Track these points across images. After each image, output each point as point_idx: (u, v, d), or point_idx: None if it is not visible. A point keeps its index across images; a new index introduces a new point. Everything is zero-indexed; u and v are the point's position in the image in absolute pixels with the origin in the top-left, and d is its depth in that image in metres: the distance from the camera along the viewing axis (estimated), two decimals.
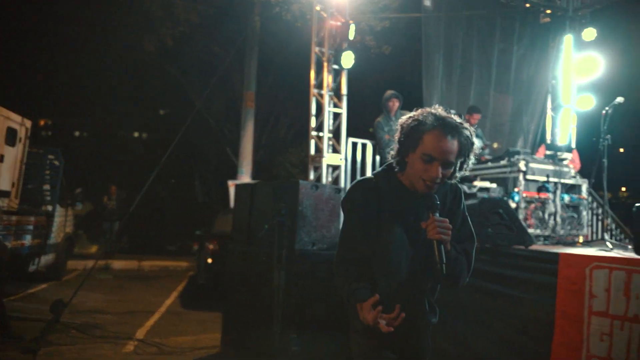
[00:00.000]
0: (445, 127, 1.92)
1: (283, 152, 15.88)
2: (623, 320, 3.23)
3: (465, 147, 1.95)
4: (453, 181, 2.08)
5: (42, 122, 22.59)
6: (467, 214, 2.12)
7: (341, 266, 2.07)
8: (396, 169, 2.04)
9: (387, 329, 1.82)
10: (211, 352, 5.40)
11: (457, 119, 1.98)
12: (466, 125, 1.98)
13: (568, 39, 8.00)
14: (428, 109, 2.02)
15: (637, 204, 3.38)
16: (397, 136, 2.01)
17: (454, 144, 1.91)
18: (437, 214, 1.89)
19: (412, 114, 2.02)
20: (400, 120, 2.03)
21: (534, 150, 7.45)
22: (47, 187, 8.33)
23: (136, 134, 23.69)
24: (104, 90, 15.58)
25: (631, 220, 3.44)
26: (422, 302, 2.09)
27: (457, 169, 1.98)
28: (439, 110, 2.00)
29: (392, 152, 2.03)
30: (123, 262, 11.47)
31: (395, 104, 6.41)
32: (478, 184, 5.84)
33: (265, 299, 4.59)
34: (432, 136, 1.92)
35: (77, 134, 23.68)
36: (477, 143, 2.00)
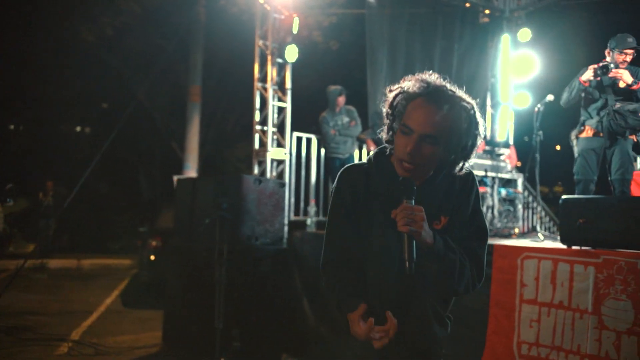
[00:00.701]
0: (431, 94, 1.60)
1: (230, 147, 15.68)
2: (550, 306, 3.39)
3: (460, 124, 1.59)
4: (463, 171, 1.68)
5: None
6: (479, 206, 1.75)
7: (327, 268, 1.76)
8: (387, 152, 1.71)
9: (379, 345, 1.56)
10: (151, 351, 5.26)
11: (455, 89, 1.64)
12: (466, 97, 1.64)
13: (505, 38, 8.30)
14: (419, 75, 1.68)
15: (563, 197, 3.54)
16: (384, 109, 1.70)
17: (440, 116, 1.56)
18: (413, 201, 1.55)
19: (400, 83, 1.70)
20: (387, 90, 1.73)
21: None
22: None
23: (78, 128, 22.72)
24: (41, 82, 14.82)
25: (559, 212, 3.61)
26: (423, 310, 1.69)
27: (453, 151, 1.62)
28: (431, 77, 1.66)
29: (384, 133, 1.71)
30: (61, 260, 11.00)
31: (341, 99, 6.45)
32: None
33: (207, 295, 4.52)
34: (414, 105, 1.60)
35: (12, 127, 22.43)
36: (482, 124, 1.66)
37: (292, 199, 6.28)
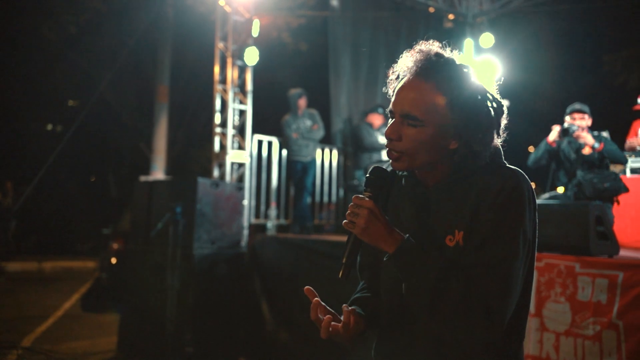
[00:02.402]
0: (419, 67, 1.28)
1: (199, 148, 15.53)
2: None
3: (460, 97, 1.23)
4: (503, 172, 1.26)
5: None
6: (514, 231, 1.20)
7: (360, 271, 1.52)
8: None
9: (323, 334, 1.29)
10: (106, 356, 5.18)
11: (449, 54, 1.32)
12: (466, 64, 1.31)
13: (468, 43, 8.43)
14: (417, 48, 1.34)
15: None
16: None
17: (421, 89, 1.25)
18: (368, 193, 1.26)
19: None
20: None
21: None
22: None
23: (49, 127, 22.19)
24: (4, 79, 14.43)
25: None
26: (430, 336, 1.28)
27: (460, 138, 1.24)
28: (429, 46, 1.34)
29: None
30: (21, 263, 10.72)
31: (304, 102, 6.44)
32: None
33: (160, 299, 4.47)
34: (400, 85, 1.30)
35: None
36: (504, 102, 1.31)
37: (253, 202, 6.25)
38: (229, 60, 6.05)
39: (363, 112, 7.50)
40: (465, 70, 1.28)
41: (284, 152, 6.55)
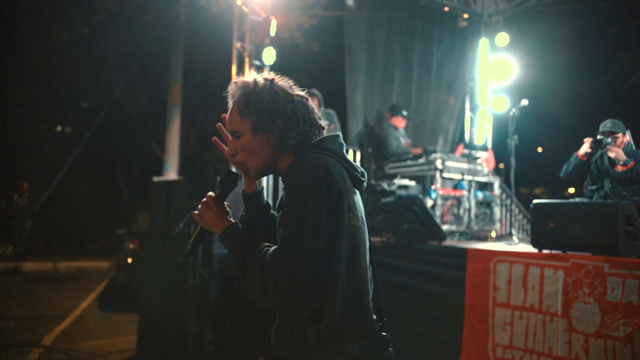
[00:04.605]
0: (230, 94, 1.63)
1: (211, 148, 15.57)
2: (522, 310, 3.42)
3: (246, 103, 1.56)
4: (301, 162, 1.50)
5: None
6: (293, 214, 1.44)
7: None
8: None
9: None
10: (125, 355, 5.19)
11: (245, 79, 1.62)
12: (268, 80, 1.61)
13: (484, 42, 8.38)
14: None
15: (534, 201, 3.58)
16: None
17: (232, 110, 1.60)
18: (216, 191, 1.64)
19: None
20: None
21: (453, 149, 7.75)
22: None
23: (59, 128, 22.34)
24: (15, 80, 14.54)
25: (530, 216, 3.64)
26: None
27: (270, 136, 1.56)
28: (241, 78, 1.64)
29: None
30: (36, 263, 10.79)
31: (313, 102, 6.40)
32: (398, 181, 5.98)
33: (181, 299, 4.48)
34: None
35: None
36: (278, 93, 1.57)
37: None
38: (247, 60, 6.06)
39: (378, 112, 7.48)
40: (260, 86, 1.58)
41: None
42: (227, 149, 1.64)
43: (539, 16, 9.04)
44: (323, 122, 1.67)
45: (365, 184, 1.64)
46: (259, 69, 6.23)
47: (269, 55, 5.88)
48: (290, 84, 1.65)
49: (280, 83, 1.61)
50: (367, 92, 7.39)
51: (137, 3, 11.23)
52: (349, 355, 1.46)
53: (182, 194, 5.06)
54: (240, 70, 6.19)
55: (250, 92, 1.57)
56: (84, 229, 14.50)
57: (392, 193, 5.81)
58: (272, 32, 5.97)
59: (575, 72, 13.29)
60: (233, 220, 1.58)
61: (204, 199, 1.60)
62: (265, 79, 1.60)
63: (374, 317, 1.55)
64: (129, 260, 7.77)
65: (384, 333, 1.58)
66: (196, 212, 1.59)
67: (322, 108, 6.36)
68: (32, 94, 15.53)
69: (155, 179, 11.14)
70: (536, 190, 28.46)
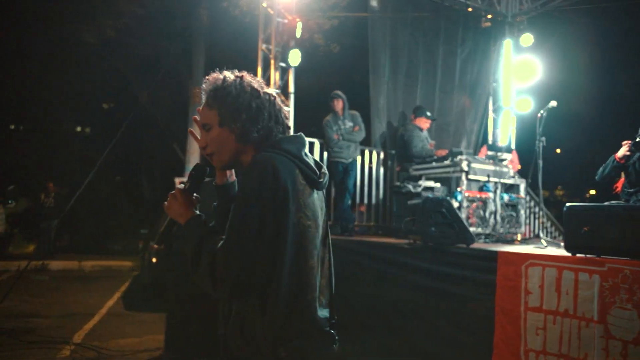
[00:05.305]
0: (204, 90, 1.72)
1: None
2: (555, 314, 3.39)
3: (214, 96, 1.65)
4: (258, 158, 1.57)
5: None
6: (240, 204, 1.52)
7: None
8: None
9: None
10: (154, 354, 5.26)
11: (229, 75, 1.69)
12: (238, 77, 1.68)
13: (507, 43, 8.31)
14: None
15: (567, 204, 3.54)
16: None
17: (203, 105, 1.69)
18: (186, 184, 1.73)
19: None
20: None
21: (476, 151, 7.70)
22: None
23: (78, 129, 22.69)
24: (41, 81, 14.82)
25: (563, 220, 3.61)
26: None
27: (233, 129, 1.64)
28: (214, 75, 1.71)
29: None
30: (62, 262, 10.98)
31: (338, 104, 6.40)
32: (423, 183, 5.96)
33: (209, 299, 4.51)
34: None
35: (12, 127, 22.39)
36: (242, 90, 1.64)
37: None
38: (272, 62, 6.09)
39: (402, 113, 7.46)
40: (228, 81, 1.65)
41: (326, 153, 6.56)
42: (199, 140, 1.73)
43: (564, 16, 8.93)
44: (289, 122, 1.75)
45: (324, 183, 1.69)
46: (285, 70, 6.26)
47: (295, 57, 5.91)
48: (261, 82, 1.72)
49: (248, 79, 1.69)
50: (390, 94, 7.39)
51: (160, 6, 11.35)
52: (291, 349, 1.53)
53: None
54: (266, 72, 6.23)
55: (218, 86, 1.65)
56: (106, 229, 14.71)
57: (418, 195, 5.80)
58: (298, 34, 6.00)
59: (598, 72, 13.11)
60: (197, 212, 1.65)
61: (172, 192, 1.68)
62: (235, 76, 1.68)
63: (324, 314, 1.63)
64: (154, 259, 7.85)
65: (332, 330, 1.64)
66: (165, 203, 1.67)
67: (346, 110, 6.42)
68: (56, 95, 15.81)
69: (177, 179, 11.28)
70: (556, 191, 28.12)
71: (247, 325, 1.57)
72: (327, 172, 1.73)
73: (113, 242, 14.51)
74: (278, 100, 1.72)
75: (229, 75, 1.68)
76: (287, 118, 1.74)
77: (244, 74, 1.70)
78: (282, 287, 1.52)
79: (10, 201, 8.97)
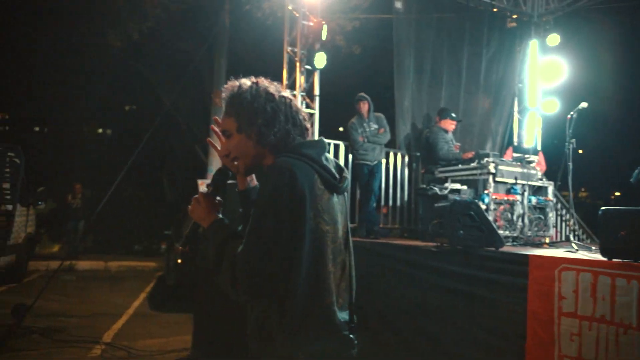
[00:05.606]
0: (223, 98, 1.77)
1: None
2: (591, 320, 3.33)
3: (236, 109, 1.68)
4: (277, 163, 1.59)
5: None
6: (260, 212, 1.53)
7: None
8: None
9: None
10: (181, 355, 5.31)
11: (245, 81, 1.72)
12: (254, 83, 1.71)
13: (533, 43, 8.22)
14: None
15: (602, 208, 3.48)
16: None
17: (223, 112, 1.74)
18: (209, 189, 1.77)
19: None
20: None
21: (502, 152, 7.62)
22: (6, 185, 8.01)
23: (100, 130, 23.04)
24: (66, 84, 15.10)
25: (598, 223, 3.54)
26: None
27: (253, 136, 1.67)
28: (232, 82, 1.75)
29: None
30: (88, 262, 11.17)
31: (364, 107, 6.40)
32: (449, 185, 5.92)
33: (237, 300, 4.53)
34: None
35: (36, 129, 22.85)
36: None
37: None
38: (298, 65, 6.11)
39: (426, 115, 7.42)
40: (244, 88, 1.68)
41: (351, 156, 6.56)
42: (220, 149, 1.76)
43: (591, 15, 8.81)
44: (308, 125, 1.76)
45: (344, 187, 1.70)
46: (310, 73, 6.28)
47: (320, 60, 5.93)
48: (277, 86, 1.75)
49: (264, 84, 1.71)
50: (415, 95, 7.35)
51: (184, 9, 11.48)
52: (309, 352, 1.54)
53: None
54: (291, 75, 6.25)
55: (235, 93, 1.69)
56: (128, 230, 14.91)
57: (444, 197, 5.76)
58: (324, 37, 6.01)
59: (625, 72, 12.86)
60: (220, 216, 1.68)
61: (195, 196, 1.72)
62: (252, 82, 1.71)
63: (344, 317, 1.64)
64: (179, 261, 7.93)
65: (351, 335, 1.65)
66: (189, 207, 1.71)
67: (372, 112, 6.41)
68: (79, 97, 16.10)
69: (200, 181, 11.38)
70: (580, 193, 27.65)
71: (266, 327, 1.58)
72: (348, 175, 1.73)
73: (135, 243, 14.70)
74: (295, 102, 1.74)
75: (245, 81, 1.71)
76: (305, 120, 1.75)
77: (260, 79, 1.73)
78: (299, 291, 1.53)
79: (40, 202, 9.15)
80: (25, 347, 5.00)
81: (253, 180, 1.84)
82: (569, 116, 5.39)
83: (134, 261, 12.07)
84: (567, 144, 5.34)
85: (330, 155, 1.75)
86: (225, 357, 4.86)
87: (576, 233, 7.76)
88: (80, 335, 5.53)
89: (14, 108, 20.36)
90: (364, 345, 4.83)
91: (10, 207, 8.07)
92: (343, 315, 1.64)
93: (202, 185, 10.58)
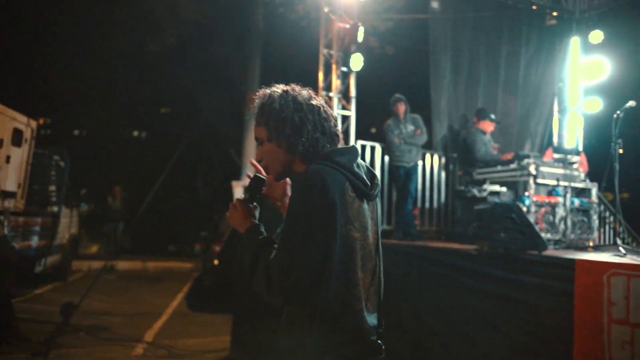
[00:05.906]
0: (254, 106, 1.79)
1: None
2: None
3: (261, 113, 1.72)
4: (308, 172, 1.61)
5: (41, 121, 22.46)
6: (292, 221, 1.56)
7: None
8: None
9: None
10: (220, 355, 5.39)
11: (270, 90, 1.76)
12: (272, 90, 1.76)
13: (575, 41, 7.98)
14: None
15: None
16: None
17: (255, 120, 1.76)
18: (245, 195, 1.79)
19: None
20: None
21: (541, 153, 7.44)
22: (52, 187, 8.30)
23: (135, 133, 23.58)
24: (104, 88, 15.53)
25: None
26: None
27: (284, 144, 1.69)
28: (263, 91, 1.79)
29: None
30: (127, 262, 11.45)
31: (401, 108, 6.35)
32: (488, 187, 5.81)
33: None
34: None
35: (76, 132, 23.57)
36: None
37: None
38: (334, 67, 6.11)
39: (463, 115, 7.31)
40: (273, 97, 1.72)
41: (387, 157, 6.52)
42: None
43: (634, 11, 8.50)
44: (338, 130, 1.77)
45: (375, 194, 1.71)
46: (346, 75, 6.27)
47: (357, 62, 5.91)
48: (308, 93, 1.76)
49: (293, 94, 1.73)
50: (451, 96, 7.25)
51: (219, 13, 11.65)
52: (337, 356, 1.57)
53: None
54: (327, 77, 6.26)
55: (264, 103, 1.73)
56: (164, 231, 15.20)
57: (483, 199, 5.66)
58: (360, 39, 5.99)
59: None
60: (256, 222, 1.73)
61: (232, 203, 1.76)
62: (282, 90, 1.74)
63: (372, 321, 1.65)
64: (216, 262, 8.05)
65: (379, 340, 1.66)
66: (227, 213, 1.76)
67: (408, 113, 6.35)
68: (117, 101, 16.53)
69: (235, 183, 11.52)
70: (622, 194, 26.73)
71: (296, 330, 1.61)
72: (379, 182, 1.75)
73: (169, 244, 14.97)
74: (325, 109, 1.75)
75: (276, 90, 1.75)
76: (335, 126, 1.76)
77: (291, 86, 1.76)
78: (330, 297, 1.55)
79: (82, 204, 9.44)
80: (72, 345, 5.17)
81: (287, 185, 1.88)
82: (615, 115, 5.22)
83: (171, 262, 12.30)
84: (613, 144, 5.17)
85: (363, 162, 1.75)
86: (264, 357, 4.90)
87: (621, 236, 7.51)
88: (123, 333, 5.68)
89: (55, 112, 21.06)
90: (399, 344, 4.81)
91: (56, 208, 8.36)
92: (372, 320, 1.65)
93: (237, 188, 10.73)
